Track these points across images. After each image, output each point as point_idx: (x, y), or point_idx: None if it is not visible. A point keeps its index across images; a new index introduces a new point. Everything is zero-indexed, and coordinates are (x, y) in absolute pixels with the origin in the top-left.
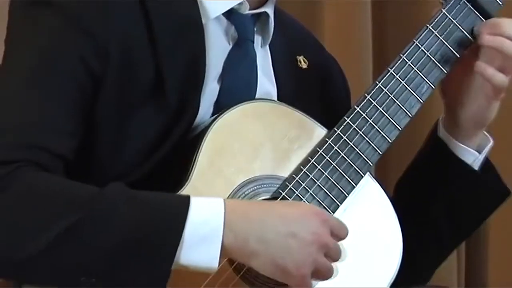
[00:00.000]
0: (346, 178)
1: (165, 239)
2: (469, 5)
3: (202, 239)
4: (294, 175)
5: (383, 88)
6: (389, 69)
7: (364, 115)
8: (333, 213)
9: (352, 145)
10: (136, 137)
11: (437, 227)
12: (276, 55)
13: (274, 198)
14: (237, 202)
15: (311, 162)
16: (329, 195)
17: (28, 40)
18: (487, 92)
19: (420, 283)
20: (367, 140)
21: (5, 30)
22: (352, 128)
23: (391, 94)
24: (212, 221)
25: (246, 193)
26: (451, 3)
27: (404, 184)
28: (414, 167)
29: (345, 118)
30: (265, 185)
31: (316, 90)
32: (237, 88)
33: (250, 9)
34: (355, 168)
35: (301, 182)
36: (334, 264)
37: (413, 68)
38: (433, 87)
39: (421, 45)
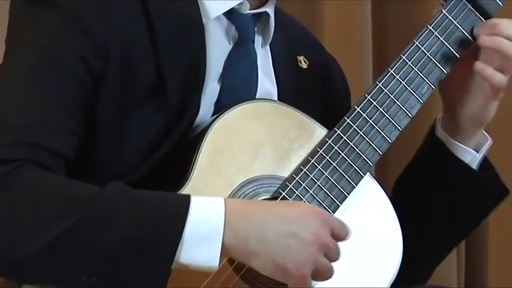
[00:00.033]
0: (347, 178)
1: (166, 238)
2: (469, 6)
3: (202, 239)
4: (294, 175)
5: (384, 89)
6: (390, 69)
7: (364, 115)
8: (333, 213)
9: (353, 145)
10: (137, 137)
11: (436, 226)
12: (276, 55)
13: (274, 198)
14: (237, 201)
15: (311, 162)
16: (329, 195)
17: (28, 40)
18: (486, 92)
19: (420, 282)
20: (367, 141)
21: (5, 29)
22: (353, 128)
23: (391, 94)
24: (212, 221)
25: (246, 193)
26: (451, 3)
27: (403, 183)
28: (413, 167)
29: (346, 118)
30: (265, 185)
31: (316, 90)
32: (238, 88)
33: (250, 9)
34: (355, 168)
35: (301, 182)
36: (334, 264)
37: (413, 69)
38: (434, 87)
39: (422, 46)
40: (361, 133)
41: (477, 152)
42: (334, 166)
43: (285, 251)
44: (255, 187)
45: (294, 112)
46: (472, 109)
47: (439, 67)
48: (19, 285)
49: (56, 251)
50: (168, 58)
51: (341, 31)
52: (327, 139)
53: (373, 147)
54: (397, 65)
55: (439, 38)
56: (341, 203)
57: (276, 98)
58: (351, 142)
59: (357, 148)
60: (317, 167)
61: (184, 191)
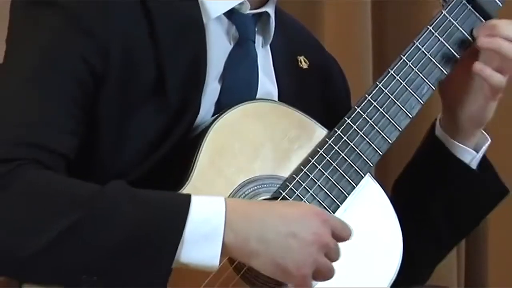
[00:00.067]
0: (347, 179)
1: (166, 238)
2: (469, 6)
3: (203, 238)
4: (294, 175)
5: (384, 89)
6: (390, 70)
7: (364, 115)
8: (334, 213)
9: (353, 146)
10: (137, 137)
11: (435, 226)
12: (276, 55)
13: (274, 198)
14: (238, 201)
15: (311, 162)
16: (329, 195)
17: (28, 40)
18: (485, 92)
19: (419, 282)
20: (367, 141)
21: (6, 29)
22: (353, 128)
23: (391, 95)
24: (213, 220)
25: (246, 193)
26: (451, 4)
27: (402, 183)
28: (412, 167)
29: (346, 118)
30: (265, 185)
31: (316, 90)
32: (238, 88)
33: (251, 9)
34: (355, 169)
35: (301, 182)
36: (334, 264)
37: (413, 69)
38: (434, 88)
39: (422, 46)
40: (361, 133)
41: (477, 152)
42: (334, 166)
43: (286, 251)
44: (255, 187)
45: (294, 112)
46: (472, 109)
47: (439, 67)
48: (19, 284)
49: (56, 250)
50: (168, 58)
51: (341, 31)
52: (327, 139)
53: (373, 147)
54: (397, 65)
55: (439, 39)
56: (341, 203)
57: (276, 98)
58: (351, 142)
59: (357, 148)
60: (317, 167)
61: (185, 190)
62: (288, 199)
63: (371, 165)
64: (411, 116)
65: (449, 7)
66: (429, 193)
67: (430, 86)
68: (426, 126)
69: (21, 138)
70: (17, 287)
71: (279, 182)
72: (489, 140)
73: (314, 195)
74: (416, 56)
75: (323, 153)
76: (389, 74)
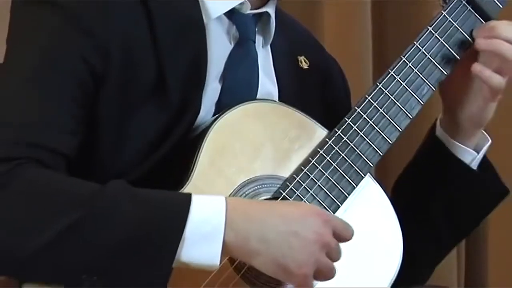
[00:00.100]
0: (347, 179)
1: (167, 237)
2: (469, 7)
3: (203, 237)
4: (294, 175)
5: (384, 90)
6: (390, 70)
7: (364, 116)
8: (334, 213)
9: (353, 146)
10: (137, 137)
11: (436, 226)
12: (277, 55)
13: (275, 198)
14: (238, 200)
15: (311, 162)
16: (329, 196)
17: (29, 40)
18: (485, 93)
19: (419, 282)
20: (367, 141)
21: (6, 29)
22: (353, 129)
23: (391, 95)
24: (213, 219)
25: (246, 193)
26: (451, 5)
27: (403, 184)
28: (412, 167)
29: (346, 119)
30: (265, 185)
31: (316, 91)
32: (239, 88)
33: (251, 9)
34: (355, 169)
35: (301, 182)
36: (335, 264)
37: (413, 70)
38: (434, 88)
39: (422, 47)
40: (361, 134)
41: (477, 152)
42: (335, 166)
43: (287, 250)
44: (256, 187)
45: (295, 112)
46: (471, 110)
47: (439, 68)
48: (19, 284)
49: (56, 250)
50: (169, 58)
51: (341, 31)
52: (328, 140)
53: (374, 148)
54: (397, 66)
55: (439, 40)
56: (341, 204)
57: (276, 98)
58: (351, 142)
59: (357, 148)
60: (317, 167)
61: (185, 190)
62: (289, 199)
63: (371, 165)
64: (411, 117)
65: (449, 8)
66: (429, 193)
67: (430, 87)
68: (426, 127)
69: (21, 138)
70: (17, 287)
71: (279, 182)
72: (490, 141)
73: (314, 195)
74: (416, 57)
75: (323, 153)
76: (389, 75)
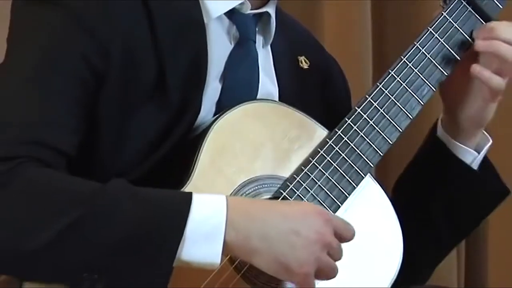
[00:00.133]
0: (347, 179)
1: (167, 236)
2: (470, 8)
3: (204, 236)
4: (295, 175)
5: (384, 90)
6: (390, 71)
7: (365, 116)
8: (334, 213)
9: (353, 146)
10: (138, 137)
11: (436, 226)
12: (277, 55)
13: (275, 198)
14: (239, 199)
15: (312, 162)
16: (330, 196)
17: (30, 39)
18: (485, 94)
19: (419, 282)
20: (368, 141)
21: (6, 29)
22: (353, 129)
23: (392, 95)
24: (214, 219)
25: (247, 193)
26: (451, 6)
27: (403, 184)
28: (413, 167)
29: (346, 119)
30: (266, 185)
31: (317, 91)
32: (239, 88)
33: (251, 9)
34: (356, 169)
35: (302, 182)
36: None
37: (414, 70)
38: (434, 89)
39: (422, 48)
40: (361, 134)
41: (478, 152)
42: (335, 166)
43: (288, 249)
44: (256, 187)
45: (295, 112)
46: (471, 110)
47: (439, 69)
48: (20, 284)
49: (57, 248)
50: (169, 58)
51: (341, 31)
52: (328, 140)
53: (374, 148)
54: (397, 66)
55: (440, 40)
56: (341, 204)
57: (277, 98)
58: (351, 143)
59: (357, 149)
60: (317, 167)
61: (185, 190)
62: (289, 199)
63: (372, 165)
64: (411, 117)
65: (449, 8)
66: (429, 193)
67: (431, 87)
68: (426, 127)
69: (22, 137)
70: (18, 287)
71: (279, 182)
72: (490, 141)
73: (315, 195)
74: (416, 57)
75: (323, 154)
76: (389, 75)
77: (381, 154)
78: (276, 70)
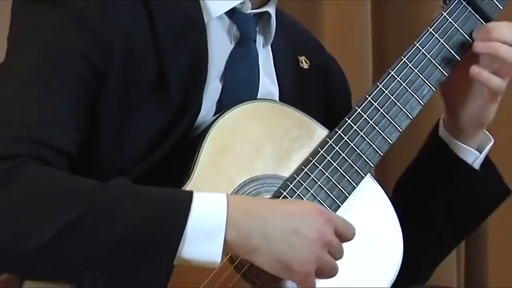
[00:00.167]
0: (347, 179)
1: (168, 234)
2: (470, 8)
3: (205, 235)
4: (295, 175)
5: (384, 90)
6: (390, 71)
7: (365, 116)
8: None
9: (353, 146)
10: (138, 136)
11: (437, 226)
12: (278, 55)
13: (275, 197)
14: (240, 198)
15: (312, 162)
16: (330, 195)
17: (30, 39)
18: (485, 95)
19: (419, 282)
20: (368, 141)
21: (7, 28)
22: (353, 129)
23: (392, 95)
24: (214, 217)
25: (247, 192)
26: (451, 6)
27: (404, 183)
28: (415, 167)
29: (346, 119)
30: (266, 185)
31: (317, 91)
32: (239, 88)
33: (252, 9)
34: (356, 169)
35: (302, 182)
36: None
37: (414, 70)
38: (434, 89)
39: (422, 48)
40: (361, 134)
41: (480, 152)
42: (335, 166)
43: (289, 248)
44: (256, 187)
45: (295, 112)
46: (472, 111)
47: (439, 69)
48: (21, 283)
49: (57, 246)
50: (169, 57)
51: (341, 31)
52: (328, 140)
53: (374, 148)
54: (397, 66)
55: (440, 41)
56: (342, 203)
57: (277, 98)
58: (351, 142)
59: (357, 148)
60: (318, 167)
61: (186, 189)
62: (289, 199)
63: (372, 165)
64: (411, 117)
65: (449, 9)
66: (430, 193)
67: (431, 88)
68: (426, 127)
69: (23, 136)
70: (18, 287)
71: (280, 181)
72: (492, 141)
73: (315, 195)
74: (416, 58)
75: (323, 153)
76: (389, 75)
77: (381, 154)
78: (276, 70)
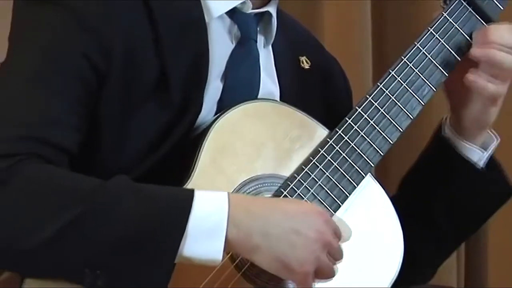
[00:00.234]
0: (348, 178)
1: (169, 233)
2: (470, 9)
3: (206, 233)
4: (295, 175)
5: (385, 90)
6: (391, 71)
7: (365, 116)
8: (335, 212)
9: (354, 146)
10: (138, 136)
11: (439, 226)
12: (278, 55)
13: (276, 196)
14: (241, 196)
15: (312, 162)
16: (330, 195)
17: (31, 38)
18: (483, 99)
19: (421, 282)
20: (368, 141)
21: (7, 28)
22: (354, 129)
23: (392, 95)
24: (215, 215)
25: (247, 192)
26: (452, 6)
27: (407, 182)
28: (418, 166)
29: (347, 119)
30: (266, 184)
31: (318, 91)
32: (240, 87)
33: (253, 9)
34: (356, 169)
35: (302, 182)
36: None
37: (414, 71)
38: (434, 89)
39: (423, 48)
40: (362, 133)
41: (485, 150)
42: (335, 166)
43: (289, 247)
44: (257, 186)
45: (296, 112)
46: (473, 112)
47: (440, 69)
48: (21, 283)
49: (58, 245)
50: (170, 57)
51: (341, 31)
52: (329, 139)
53: (374, 147)
54: (398, 66)
55: (440, 41)
56: (342, 203)
57: (278, 98)
58: (352, 142)
59: (358, 148)
60: (318, 166)
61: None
62: (290, 198)
63: (372, 165)
64: (412, 117)
65: (449, 9)
66: (434, 192)
67: (431, 88)
68: (426, 127)
69: (22, 134)
70: (19, 286)
71: (280, 181)
72: (497, 140)
73: (315, 194)
74: (417, 58)
75: (324, 153)
76: (390, 75)
77: (382, 154)
78: (277, 70)
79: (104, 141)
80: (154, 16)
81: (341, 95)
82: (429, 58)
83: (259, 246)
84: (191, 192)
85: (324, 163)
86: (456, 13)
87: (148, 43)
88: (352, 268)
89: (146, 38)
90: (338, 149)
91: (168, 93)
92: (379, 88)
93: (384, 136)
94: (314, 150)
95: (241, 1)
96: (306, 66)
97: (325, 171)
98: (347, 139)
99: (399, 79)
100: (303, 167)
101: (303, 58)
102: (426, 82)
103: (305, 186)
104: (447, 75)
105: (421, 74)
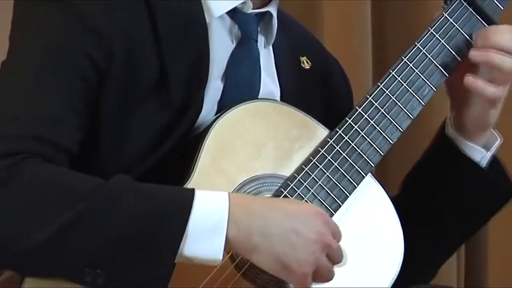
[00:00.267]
0: (348, 178)
1: (169, 232)
2: (470, 9)
3: (206, 232)
4: (296, 174)
5: (385, 90)
6: (391, 71)
7: (366, 116)
8: (335, 212)
9: (354, 146)
10: (139, 135)
11: (443, 225)
12: (279, 55)
13: (276, 196)
14: (241, 196)
15: (312, 161)
16: (330, 195)
17: (32, 37)
18: (483, 101)
19: (423, 282)
20: (368, 141)
21: (8, 27)
22: (354, 129)
23: (392, 96)
24: (216, 215)
25: (247, 191)
26: (452, 6)
27: (411, 180)
28: (422, 164)
29: (347, 119)
30: (267, 184)
31: (318, 91)
32: (240, 87)
33: (253, 9)
34: (356, 169)
35: (302, 181)
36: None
37: (414, 71)
38: (435, 89)
39: (423, 48)
40: (362, 133)
41: (487, 150)
42: (336, 166)
43: (289, 248)
44: (257, 186)
45: (296, 112)
46: (474, 113)
47: (440, 69)
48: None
49: (59, 243)
50: (171, 57)
51: (341, 31)
52: (329, 139)
53: (375, 147)
54: (398, 66)
55: (440, 41)
56: (342, 203)
57: (278, 98)
58: (352, 142)
59: (358, 148)
60: (318, 166)
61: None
62: (290, 198)
63: (372, 165)
64: (412, 117)
65: (450, 9)
66: (437, 191)
67: (432, 88)
68: (427, 127)
69: (23, 133)
70: (19, 286)
71: (280, 181)
72: (500, 139)
73: (315, 194)
74: (417, 58)
75: (324, 153)
76: (390, 75)
77: (382, 154)
78: (277, 70)
79: (104, 141)
80: (155, 16)
81: (342, 95)
82: (429, 58)
83: (259, 246)
84: (191, 192)
85: (324, 163)
86: (457, 13)
87: (149, 43)
88: (352, 268)
89: (147, 37)
90: (339, 149)
91: (169, 93)
92: (379, 88)
93: (384, 136)
94: (314, 150)
95: (242, 1)
96: (307, 66)
97: (325, 171)
98: (348, 139)
99: (400, 79)
100: (303, 167)
101: (303, 58)
102: (426, 82)
103: (305, 186)
104: (447, 75)
105: (422, 74)
